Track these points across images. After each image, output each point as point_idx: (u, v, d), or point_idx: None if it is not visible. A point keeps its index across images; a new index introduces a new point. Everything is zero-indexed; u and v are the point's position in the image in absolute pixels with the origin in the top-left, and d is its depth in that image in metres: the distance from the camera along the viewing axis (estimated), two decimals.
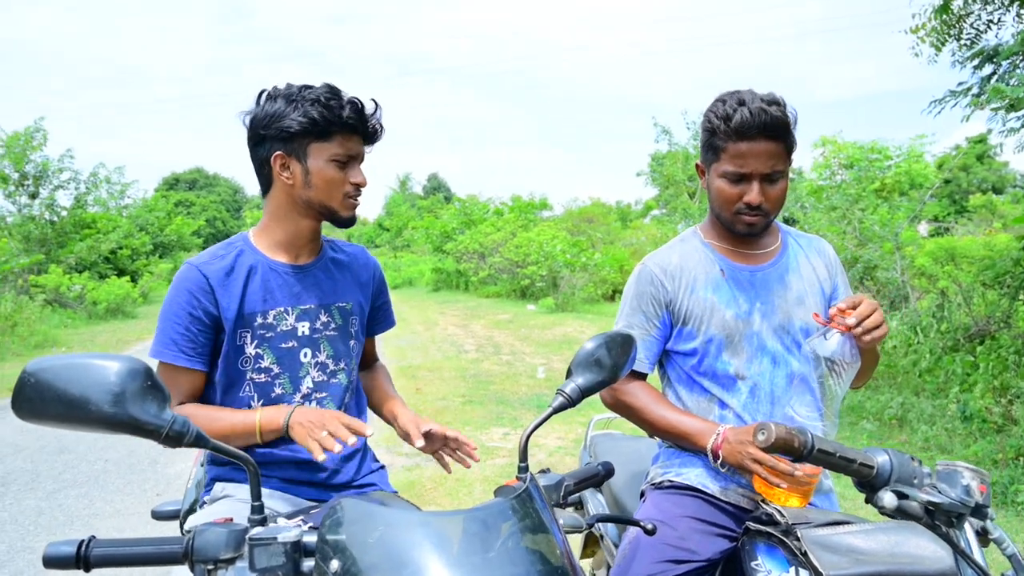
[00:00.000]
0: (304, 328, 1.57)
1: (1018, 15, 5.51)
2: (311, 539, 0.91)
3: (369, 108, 1.53)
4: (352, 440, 1.30)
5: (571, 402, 1.17)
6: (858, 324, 1.37)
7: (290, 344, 1.55)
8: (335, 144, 1.49)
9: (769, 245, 1.68)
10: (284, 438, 1.54)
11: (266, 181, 1.56)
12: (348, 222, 1.57)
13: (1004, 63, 5.38)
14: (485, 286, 19.28)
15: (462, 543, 0.83)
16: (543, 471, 1.18)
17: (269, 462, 1.51)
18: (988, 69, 5.54)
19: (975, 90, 5.47)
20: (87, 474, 4.70)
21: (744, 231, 1.60)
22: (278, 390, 1.54)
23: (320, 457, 1.30)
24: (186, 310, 1.50)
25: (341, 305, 1.63)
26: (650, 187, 24.27)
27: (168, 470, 4.78)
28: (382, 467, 1.70)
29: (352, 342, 1.65)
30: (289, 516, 1.30)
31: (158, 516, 1.95)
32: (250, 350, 1.53)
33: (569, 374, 1.20)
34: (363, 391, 1.74)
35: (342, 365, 1.62)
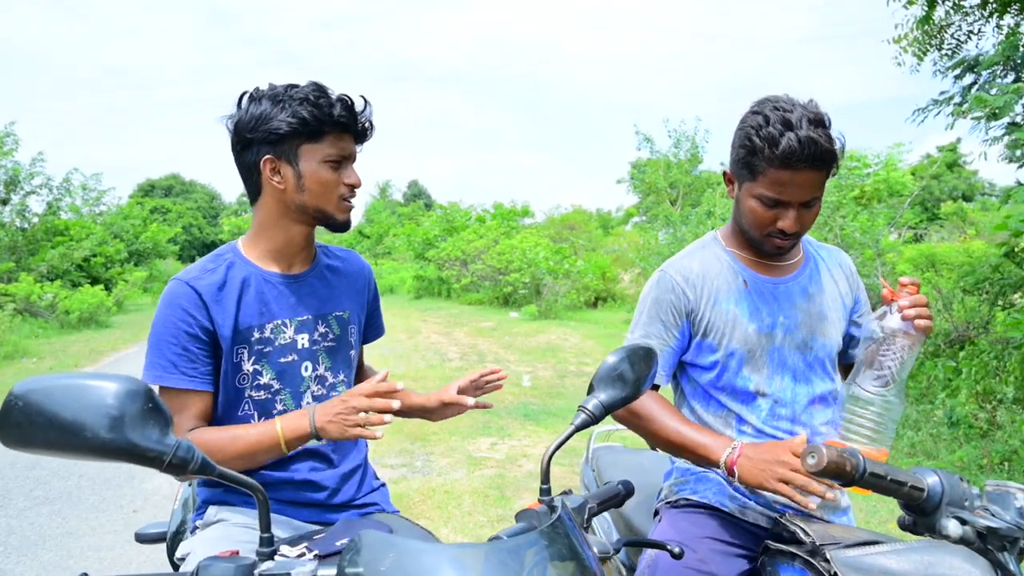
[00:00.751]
0: (303, 340, 1.50)
1: (997, 26, 5.58)
2: (326, 573, 0.84)
3: (359, 105, 1.46)
4: (396, 405, 1.26)
5: (594, 419, 1.11)
6: (912, 307, 1.31)
7: (290, 358, 1.48)
8: (327, 144, 1.42)
9: (792, 256, 1.61)
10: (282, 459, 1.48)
11: (255, 188, 1.48)
12: (343, 226, 1.50)
13: (984, 73, 5.44)
14: (467, 293, 19.21)
15: None
16: (565, 493, 1.12)
17: (265, 483, 1.44)
18: (969, 79, 5.60)
19: (957, 99, 5.52)
20: (60, 491, 4.55)
21: (772, 252, 1.53)
22: (279, 407, 1.47)
23: (379, 436, 1.27)
24: (181, 328, 1.40)
25: (338, 314, 1.56)
26: (632, 194, 24.38)
27: (145, 486, 4.65)
28: (383, 485, 1.64)
29: (352, 352, 1.59)
30: (290, 542, 1.22)
31: (142, 539, 1.85)
32: (248, 367, 1.46)
33: (591, 389, 1.15)
34: None
35: (342, 377, 1.55)
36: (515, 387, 7.90)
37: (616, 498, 1.22)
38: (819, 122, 1.40)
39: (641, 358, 1.18)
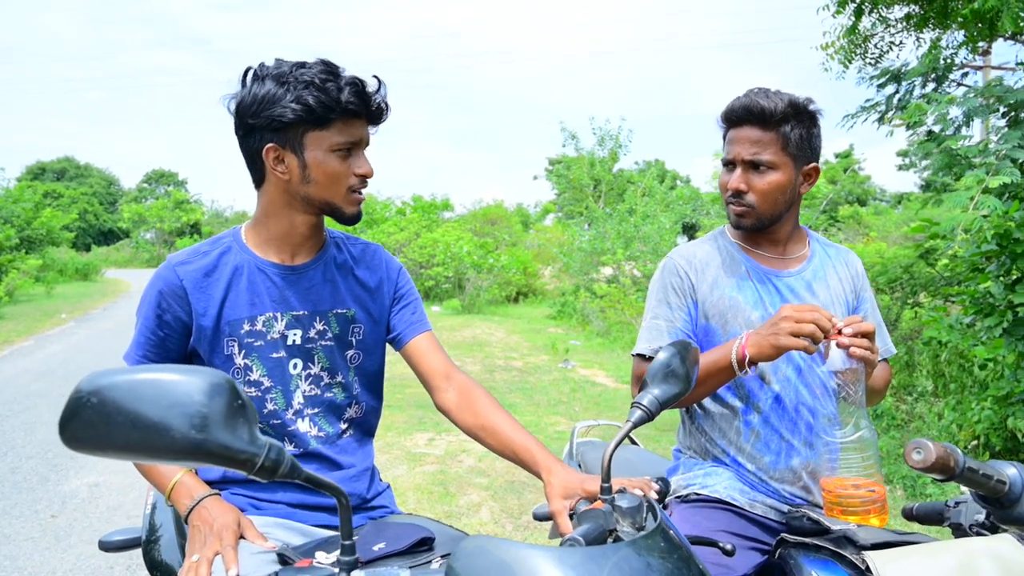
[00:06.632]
0: (295, 336, 1.40)
1: (917, 39, 5.91)
2: None
3: (372, 86, 1.35)
4: (233, 572, 1.10)
5: (650, 415, 1.09)
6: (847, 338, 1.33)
7: (279, 354, 1.39)
8: (335, 132, 1.30)
9: (797, 251, 1.65)
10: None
11: (258, 174, 1.37)
12: (353, 219, 1.40)
13: (905, 84, 5.75)
14: None
15: None
16: (620, 491, 1.08)
17: (272, 487, 1.34)
18: (891, 88, 5.90)
19: (881, 107, 5.81)
20: None
21: (734, 223, 1.61)
22: (270, 405, 1.38)
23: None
24: (156, 312, 1.36)
25: (340, 312, 1.45)
26: (551, 190, 24.60)
27: (61, 488, 4.32)
28: (388, 486, 1.56)
29: (352, 353, 1.47)
30: (317, 548, 1.14)
31: (107, 547, 1.70)
32: (239, 361, 1.37)
33: (644, 386, 1.12)
34: (379, 413, 1.56)
35: (339, 379, 1.45)
36: None
37: (661, 495, 1.19)
38: (773, 92, 1.55)
39: (688, 352, 1.16)
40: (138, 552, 1.63)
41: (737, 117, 1.54)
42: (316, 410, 1.42)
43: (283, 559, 1.14)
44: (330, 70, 1.30)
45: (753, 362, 1.41)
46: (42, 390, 6.99)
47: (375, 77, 1.37)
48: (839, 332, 1.35)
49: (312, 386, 1.42)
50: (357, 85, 1.32)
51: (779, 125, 1.52)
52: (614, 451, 1.02)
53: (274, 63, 1.32)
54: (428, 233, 18.28)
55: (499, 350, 10.50)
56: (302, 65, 1.31)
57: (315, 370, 1.42)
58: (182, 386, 0.69)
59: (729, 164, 1.58)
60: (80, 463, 4.79)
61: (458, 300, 15.54)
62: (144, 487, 4.33)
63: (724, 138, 1.61)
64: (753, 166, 1.53)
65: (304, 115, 1.27)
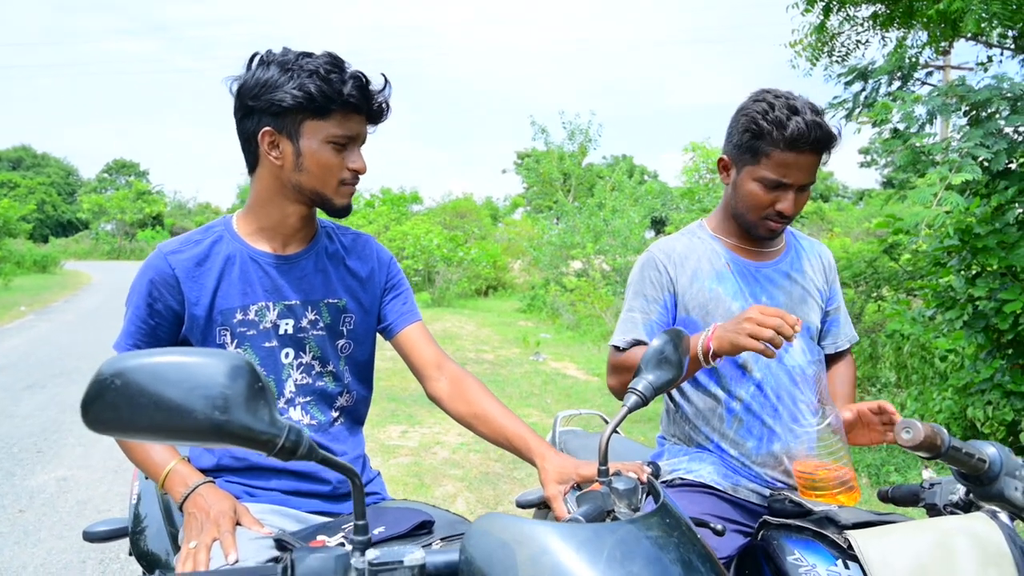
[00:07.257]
0: (287, 326, 1.40)
1: (883, 38, 6.05)
2: (441, 559, 0.80)
3: (376, 83, 1.36)
4: (232, 558, 1.11)
5: (644, 400, 1.12)
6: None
7: (271, 343, 1.39)
8: (333, 123, 1.31)
9: (775, 244, 1.70)
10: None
11: (252, 159, 1.37)
12: (342, 211, 1.40)
13: (871, 82, 5.88)
14: None
15: (625, 556, 0.75)
16: (615, 474, 1.11)
17: (267, 469, 1.35)
18: (857, 86, 6.04)
19: (848, 104, 5.94)
20: None
21: (766, 236, 1.61)
22: None
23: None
24: (147, 301, 1.35)
25: (331, 302, 1.46)
26: (521, 184, 24.64)
27: (28, 483, 4.24)
28: (378, 474, 1.57)
29: (343, 342, 1.48)
30: (319, 531, 1.16)
31: (92, 538, 1.69)
32: (231, 350, 1.36)
33: (638, 372, 1.15)
34: (369, 402, 1.58)
35: (330, 368, 1.46)
36: None
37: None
38: (818, 110, 1.51)
39: (680, 339, 1.20)
40: (112, 545, 1.62)
41: (803, 145, 1.48)
42: (308, 399, 1.43)
43: (281, 545, 1.15)
44: (335, 62, 1.32)
45: (717, 355, 1.42)
46: (3, 383, 6.83)
47: (382, 75, 1.38)
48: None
49: (304, 375, 1.42)
50: (361, 80, 1.32)
51: (831, 148, 1.53)
52: (611, 435, 1.05)
53: (281, 51, 1.33)
54: (397, 226, 18.19)
55: (470, 343, 10.53)
56: (308, 55, 1.32)
57: (306, 359, 1.43)
58: (204, 368, 0.70)
59: (778, 185, 1.52)
60: (47, 458, 4.70)
61: (428, 293, 15.50)
62: (119, 479, 4.27)
63: (766, 154, 1.51)
64: (802, 188, 1.54)
65: (304, 102, 1.28)
